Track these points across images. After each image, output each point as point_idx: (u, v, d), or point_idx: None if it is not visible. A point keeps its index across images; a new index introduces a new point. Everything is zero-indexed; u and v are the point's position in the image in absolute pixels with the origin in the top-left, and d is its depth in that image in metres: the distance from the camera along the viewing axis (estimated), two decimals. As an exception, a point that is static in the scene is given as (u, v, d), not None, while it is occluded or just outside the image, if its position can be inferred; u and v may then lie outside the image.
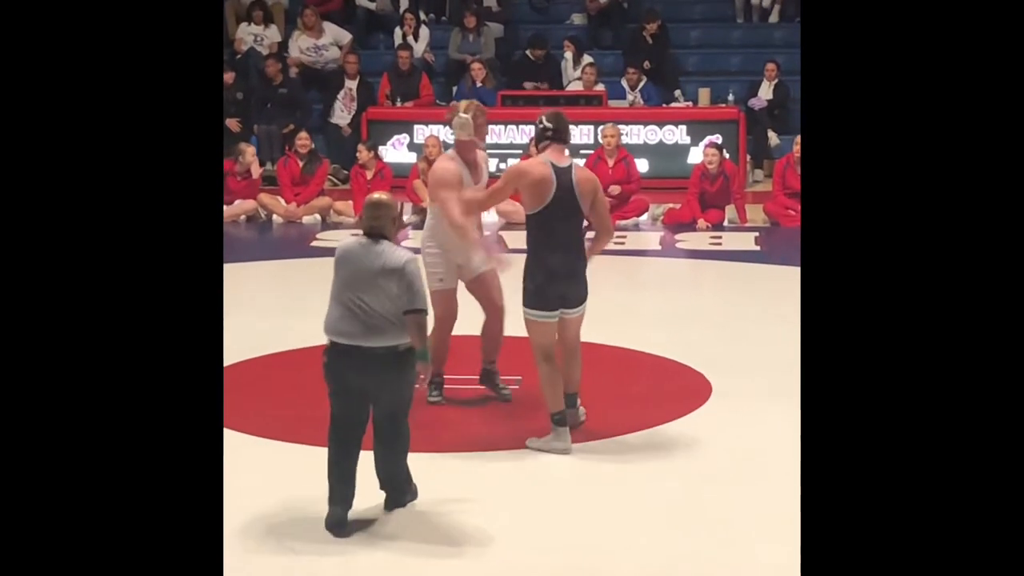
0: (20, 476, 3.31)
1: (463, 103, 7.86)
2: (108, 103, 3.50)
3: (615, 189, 14.19)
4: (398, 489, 6.24)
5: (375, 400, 6.07)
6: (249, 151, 14.94)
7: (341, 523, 5.96)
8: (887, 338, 3.45)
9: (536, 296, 7.04)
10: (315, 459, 6.78)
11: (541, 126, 7.20)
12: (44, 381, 3.36)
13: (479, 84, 17.08)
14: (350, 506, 6.03)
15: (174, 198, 3.55)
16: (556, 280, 7.03)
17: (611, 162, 14.39)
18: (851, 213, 3.49)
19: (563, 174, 7.05)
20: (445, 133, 16.13)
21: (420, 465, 6.71)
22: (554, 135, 7.16)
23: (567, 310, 7.11)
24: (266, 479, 6.57)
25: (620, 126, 16.00)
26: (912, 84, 3.49)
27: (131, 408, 3.43)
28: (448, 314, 7.75)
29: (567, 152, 7.21)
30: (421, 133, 15.92)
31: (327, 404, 7.13)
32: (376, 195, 6.26)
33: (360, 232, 6.15)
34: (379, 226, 6.07)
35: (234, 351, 8.77)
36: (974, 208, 3.44)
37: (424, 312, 6.07)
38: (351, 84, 17.09)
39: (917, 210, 3.46)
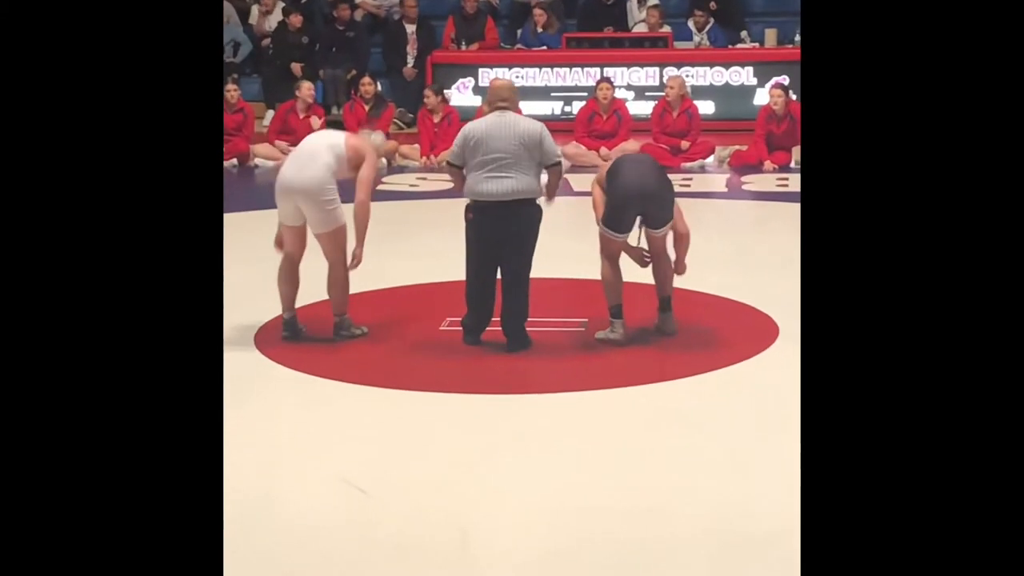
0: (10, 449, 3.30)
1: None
2: (105, 77, 3.46)
3: (685, 145, 14.17)
4: (516, 336, 7.61)
5: (506, 246, 7.46)
6: (304, 85, 15.02)
7: (474, 338, 7.66)
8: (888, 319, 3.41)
9: (610, 218, 7.70)
10: (382, 400, 6.86)
11: None
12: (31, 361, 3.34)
13: (541, 28, 17.03)
14: (484, 326, 7.66)
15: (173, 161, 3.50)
16: (632, 204, 7.67)
17: (675, 113, 14.33)
18: (851, 200, 3.45)
19: None
20: (512, 76, 16.15)
21: (484, 406, 6.78)
22: None
23: (650, 230, 7.81)
24: (334, 420, 6.64)
25: (685, 68, 15.93)
26: (910, 74, 3.44)
27: (130, 375, 3.38)
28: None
29: None
30: (486, 76, 15.91)
31: (393, 347, 7.30)
32: (502, 79, 7.56)
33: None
34: (508, 104, 7.55)
35: (301, 294, 8.83)
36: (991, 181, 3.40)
37: (560, 163, 7.72)
38: (411, 28, 17.09)
39: (913, 191, 3.42)
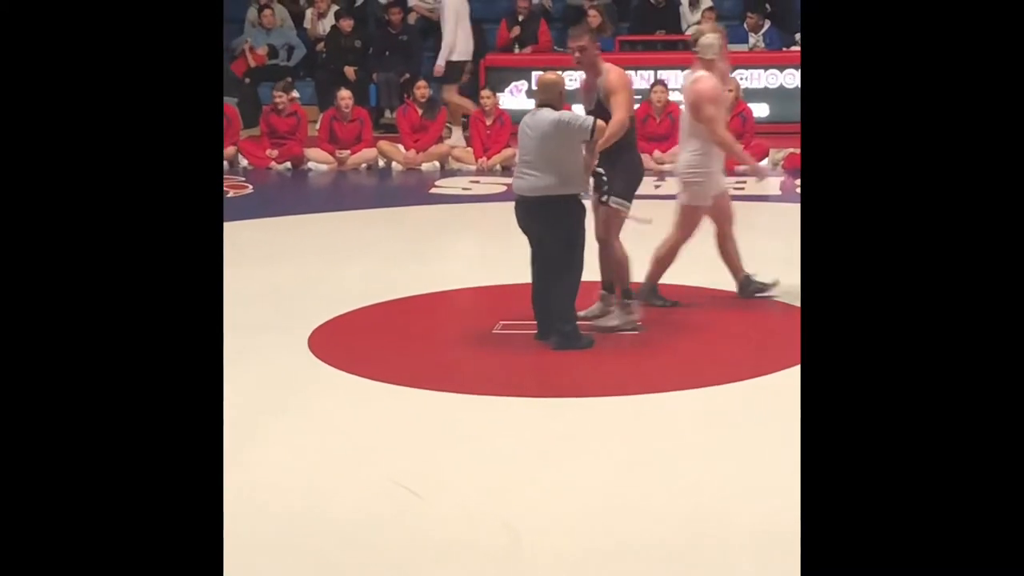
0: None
1: (706, 25, 8.83)
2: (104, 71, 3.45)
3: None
4: (547, 323, 7.64)
5: (540, 240, 7.54)
6: (341, 94, 15.02)
7: (544, 338, 7.64)
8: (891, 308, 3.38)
9: (629, 189, 7.90)
10: (434, 403, 6.86)
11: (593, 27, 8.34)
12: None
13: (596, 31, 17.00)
14: (547, 330, 7.62)
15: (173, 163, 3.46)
16: (640, 175, 8.00)
17: (729, 116, 14.28)
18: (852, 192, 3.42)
19: None
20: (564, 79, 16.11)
21: (533, 409, 6.76)
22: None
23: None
24: (386, 423, 6.64)
25: (739, 71, 15.85)
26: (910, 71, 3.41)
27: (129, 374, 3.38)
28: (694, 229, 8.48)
29: None
30: (539, 80, 15.87)
31: (446, 349, 7.32)
32: (546, 74, 7.81)
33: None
34: (547, 100, 7.60)
35: (355, 297, 8.87)
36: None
37: (592, 133, 7.46)
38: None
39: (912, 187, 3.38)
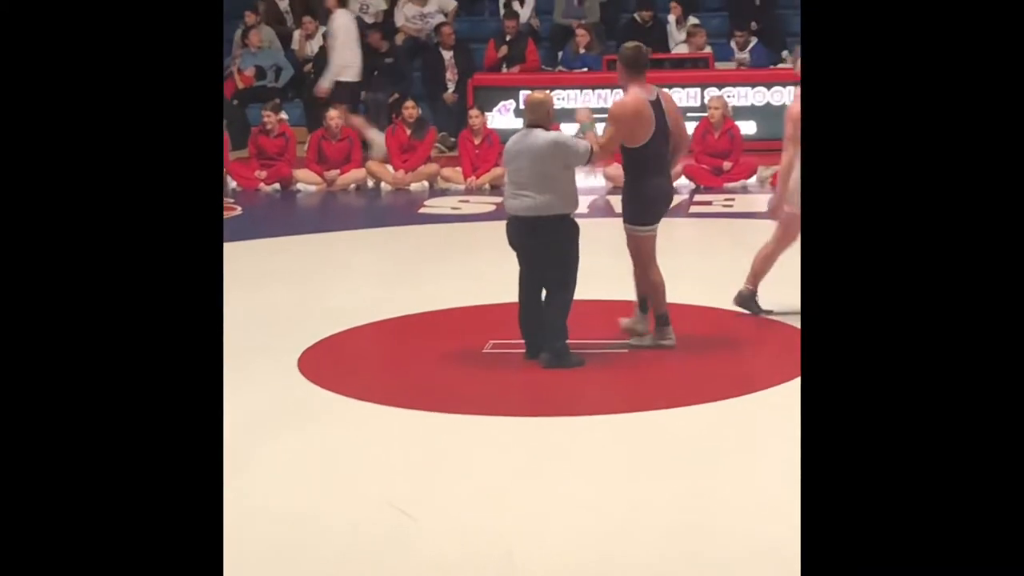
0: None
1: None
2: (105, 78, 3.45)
3: (727, 165, 14.15)
4: (535, 342, 7.66)
5: (534, 259, 7.57)
6: (330, 114, 15.03)
7: (534, 357, 7.64)
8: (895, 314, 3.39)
9: (645, 214, 7.87)
10: (425, 423, 6.85)
11: (631, 58, 8.01)
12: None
13: (583, 50, 17.04)
14: (536, 349, 7.63)
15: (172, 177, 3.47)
16: (659, 200, 7.96)
17: (717, 134, 14.31)
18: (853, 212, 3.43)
19: (655, 106, 7.84)
20: (553, 98, 16.14)
21: (525, 428, 6.76)
22: (639, 68, 7.97)
23: (656, 226, 7.99)
24: (376, 443, 6.63)
25: (727, 88, 15.89)
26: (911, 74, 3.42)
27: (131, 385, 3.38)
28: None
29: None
30: (527, 99, 15.91)
31: (436, 369, 7.29)
32: (534, 94, 7.86)
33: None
34: (536, 120, 7.64)
35: (345, 318, 8.86)
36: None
37: (588, 154, 7.57)
38: (448, 55, 17.11)
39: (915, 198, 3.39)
